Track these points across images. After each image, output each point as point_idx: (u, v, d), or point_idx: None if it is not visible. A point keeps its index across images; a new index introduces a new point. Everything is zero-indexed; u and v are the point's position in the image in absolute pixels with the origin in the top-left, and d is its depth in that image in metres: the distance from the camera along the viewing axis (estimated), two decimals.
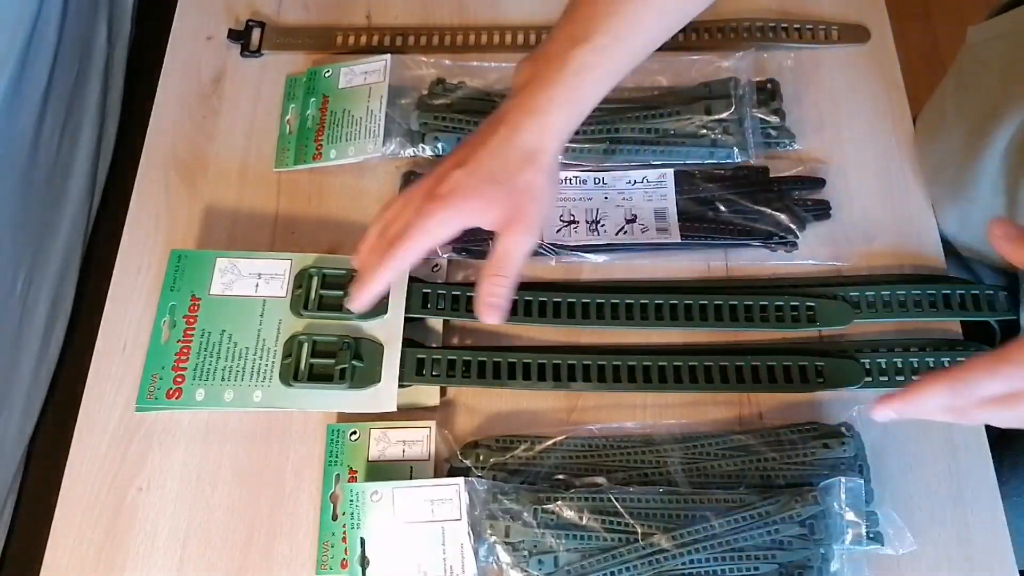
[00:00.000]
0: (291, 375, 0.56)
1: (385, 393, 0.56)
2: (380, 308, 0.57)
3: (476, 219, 0.49)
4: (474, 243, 0.61)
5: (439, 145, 0.65)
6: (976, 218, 0.60)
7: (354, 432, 0.56)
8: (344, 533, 0.53)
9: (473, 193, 0.49)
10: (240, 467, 0.57)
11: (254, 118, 0.69)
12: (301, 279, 0.58)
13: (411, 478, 0.54)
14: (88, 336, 0.61)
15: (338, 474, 0.55)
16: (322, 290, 0.58)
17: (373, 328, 0.57)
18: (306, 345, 0.56)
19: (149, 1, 1.31)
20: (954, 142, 0.60)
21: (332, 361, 0.56)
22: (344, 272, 0.58)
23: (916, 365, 0.56)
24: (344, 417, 0.57)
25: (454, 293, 0.59)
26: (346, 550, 0.53)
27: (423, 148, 0.65)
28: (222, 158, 0.68)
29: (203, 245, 0.64)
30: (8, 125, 0.97)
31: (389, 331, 0.57)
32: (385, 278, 0.51)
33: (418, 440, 0.56)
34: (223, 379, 0.56)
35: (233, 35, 0.72)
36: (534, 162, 0.49)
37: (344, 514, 0.53)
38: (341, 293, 0.57)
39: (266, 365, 0.56)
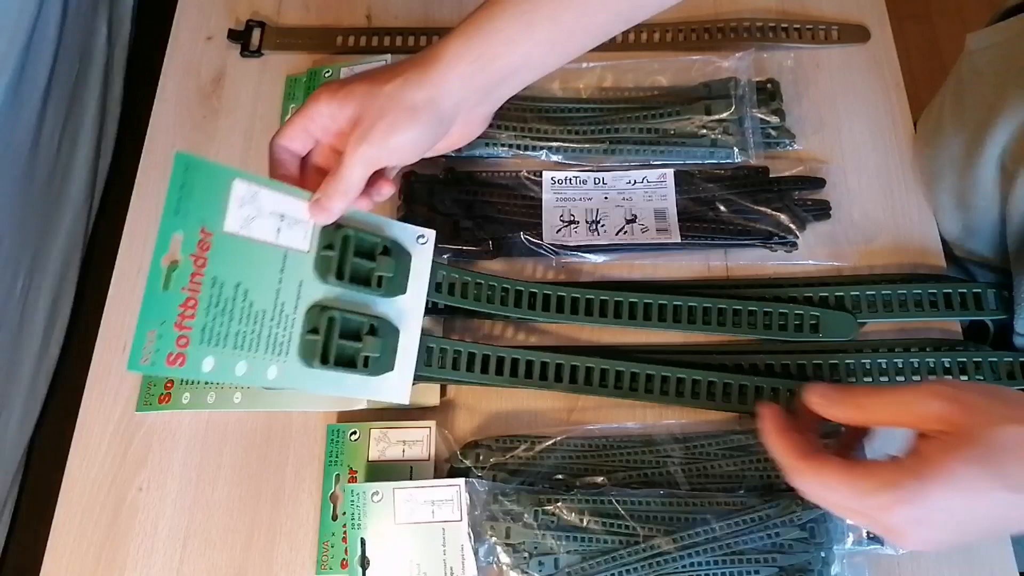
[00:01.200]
0: (318, 355, 0.48)
1: (399, 383, 0.51)
2: (398, 287, 0.51)
3: (339, 101, 0.47)
4: (473, 243, 0.62)
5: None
6: (978, 225, 0.60)
7: (354, 432, 0.56)
8: (344, 533, 0.53)
9: (334, 88, 0.47)
10: (240, 467, 0.57)
11: (254, 118, 0.69)
12: (332, 238, 0.49)
13: (411, 478, 0.54)
14: (88, 336, 0.61)
15: (338, 474, 0.55)
16: (356, 258, 0.49)
17: (387, 308, 0.51)
18: (336, 322, 0.48)
19: (149, 1, 1.31)
20: (953, 150, 0.60)
21: (357, 344, 0.49)
22: (378, 240, 0.50)
23: (916, 365, 0.56)
24: (344, 417, 0.57)
25: (472, 280, 0.56)
26: (346, 550, 0.53)
27: None
28: (222, 158, 0.68)
29: None
30: (8, 125, 0.97)
31: (407, 315, 0.52)
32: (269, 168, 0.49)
33: (418, 440, 0.56)
34: (236, 346, 0.45)
35: (233, 35, 0.72)
36: (411, 90, 0.46)
37: (344, 514, 0.53)
38: (372, 265, 0.50)
39: (283, 335, 0.47)
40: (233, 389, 0.56)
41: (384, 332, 0.50)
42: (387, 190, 0.51)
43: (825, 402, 0.41)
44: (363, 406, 0.56)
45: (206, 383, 0.54)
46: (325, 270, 0.48)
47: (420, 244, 0.53)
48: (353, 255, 0.49)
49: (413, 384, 0.53)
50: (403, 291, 0.51)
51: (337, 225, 0.49)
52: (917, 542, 0.38)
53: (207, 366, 0.44)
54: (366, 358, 0.49)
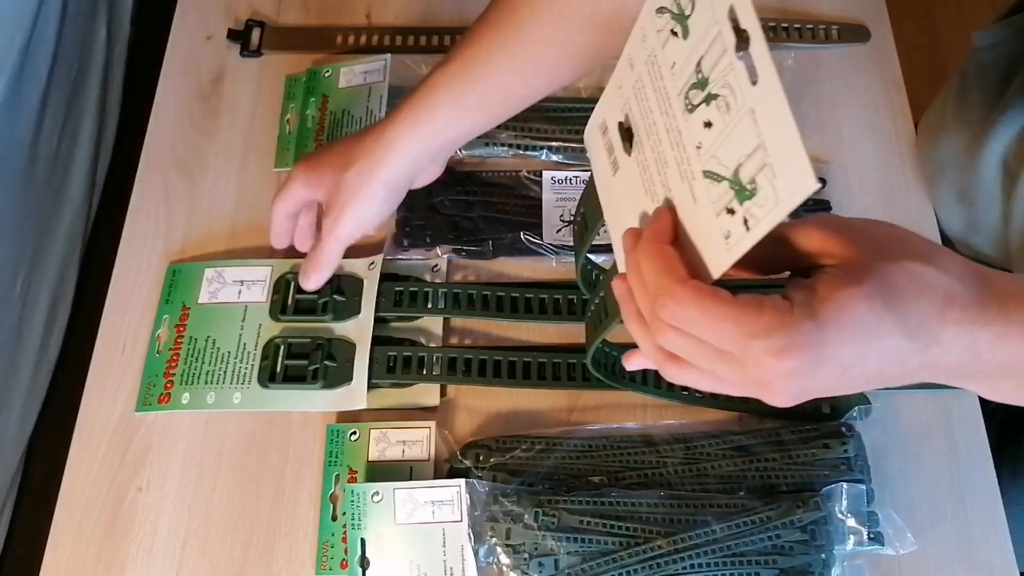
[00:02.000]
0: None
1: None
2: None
3: (308, 191, 0.57)
4: (473, 243, 0.62)
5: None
6: (981, 222, 0.60)
7: (354, 432, 0.56)
8: (344, 533, 0.53)
9: (304, 174, 0.56)
10: (240, 467, 0.57)
11: (254, 118, 0.69)
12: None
13: (411, 478, 0.54)
14: (88, 336, 0.61)
15: (338, 474, 0.55)
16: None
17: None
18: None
19: (149, 1, 1.30)
20: (955, 147, 0.60)
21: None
22: None
23: None
24: (344, 417, 0.57)
25: (444, 291, 0.60)
26: (346, 550, 0.53)
27: None
28: (222, 158, 0.68)
29: (202, 245, 0.64)
30: (8, 125, 0.97)
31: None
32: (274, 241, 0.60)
33: (418, 440, 0.56)
34: (206, 382, 0.58)
35: (233, 35, 0.72)
36: (370, 177, 0.54)
37: (344, 514, 0.53)
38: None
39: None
40: (232, 389, 0.58)
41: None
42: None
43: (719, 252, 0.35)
44: (362, 406, 0.57)
45: (206, 383, 0.58)
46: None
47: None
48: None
49: (411, 387, 0.58)
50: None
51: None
52: (789, 395, 0.33)
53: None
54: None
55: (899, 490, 0.54)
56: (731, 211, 0.32)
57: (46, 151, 1.06)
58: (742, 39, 0.30)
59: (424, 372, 0.57)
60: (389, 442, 0.56)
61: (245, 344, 0.59)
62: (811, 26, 0.70)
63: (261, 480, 0.56)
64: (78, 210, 1.15)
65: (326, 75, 0.69)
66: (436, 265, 0.61)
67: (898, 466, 0.55)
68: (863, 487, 0.51)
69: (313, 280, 0.58)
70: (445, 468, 0.55)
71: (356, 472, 0.55)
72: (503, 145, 0.65)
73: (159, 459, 0.57)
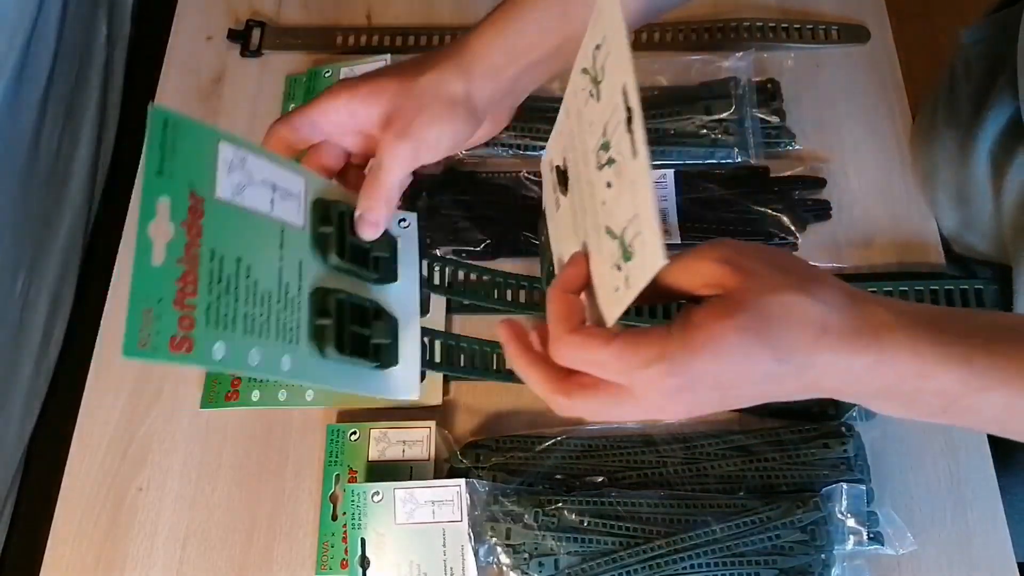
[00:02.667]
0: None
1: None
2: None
3: (364, 99, 0.45)
4: (473, 243, 0.62)
5: None
6: (975, 219, 0.60)
7: (354, 432, 0.56)
8: (344, 533, 0.53)
9: (356, 86, 0.45)
10: (240, 467, 0.57)
11: (254, 118, 0.69)
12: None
13: (411, 478, 0.54)
14: (88, 336, 0.61)
15: (338, 474, 0.55)
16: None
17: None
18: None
19: (149, 1, 1.30)
20: (947, 145, 0.60)
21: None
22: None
23: None
24: (344, 417, 0.57)
25: (462, 271, 0.57)
26: (346, 550, 0.53)
27: None
28: None
29: None
30: (8, 125, 0.97)
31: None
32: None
33: (418, 440, 0.56)
34: (246, 331, 0.39)
35: (233, 35, 0.72)
36: (449, 82, 0.44)
37: (344, 514, 0.53)
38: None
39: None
40: (280, 346, 0.41)
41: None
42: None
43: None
44: (415, 398, 0.47)
45: (245, 332, 0.40)
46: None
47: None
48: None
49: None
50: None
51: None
52: (679, 412, 0.36)
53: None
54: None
55: (899, 490, 0.54)
56: (619, 267, 0.35)
57: (46, 151, 1.06)
58: (631, 115, 0.32)
59: (476, 366, 0.54)
60: (389, 442, 0.56)
61: (287, 284, 0.41)
62: (811, 26, 0.70)
63: (261, 480, 0.56)
64: (78, 210, 1.15)
65: (326, 75, 0.69)
66: (404, 221, 0.59)
67: (898, 466, 0.55)
68: (863, 487, 0.51)
69: (373, 223, 0.45)
70: (445, 468, 0.55)
71: (356, 472, 0.55)
72: (503, 145, 0.65)
73: (159, 459, 0.57)
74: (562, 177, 0.41)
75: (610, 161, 0.34)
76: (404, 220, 0.50)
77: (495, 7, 0.46)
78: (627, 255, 0.34)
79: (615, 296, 0.35)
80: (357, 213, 0.45)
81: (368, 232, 0.45)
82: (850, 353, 0.34)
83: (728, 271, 0.34)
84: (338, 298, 0.44)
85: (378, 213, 0.44)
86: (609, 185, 0.35)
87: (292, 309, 0.41)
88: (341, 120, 0.45)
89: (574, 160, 0.39)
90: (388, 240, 0.48)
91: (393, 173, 0.44)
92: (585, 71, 0.36)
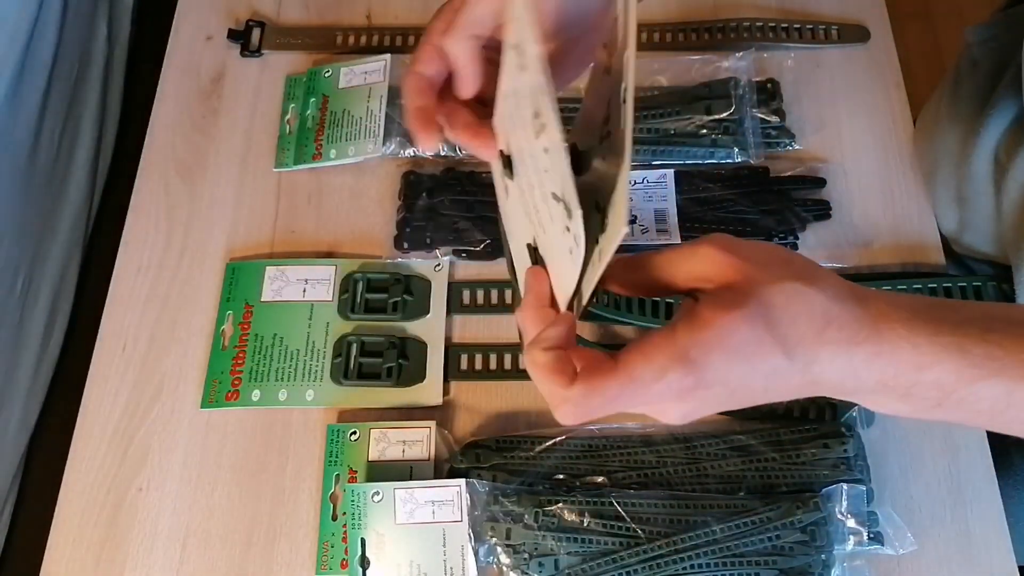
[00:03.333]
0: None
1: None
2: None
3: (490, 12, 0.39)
4: (473, 243, 0.62)
5: (439, 145, 0.65)
6: (974, 219, 0.60)
7: (354, 432, 0.56)
8: (344, 533, 0.53)
9: None
10: (240, 467, 0.57)
11: (254, 118, 0.69)
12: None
13: (411, 478, 0.54)
14: (88, 336, 0.61)
15: (338, 474, 0.55)
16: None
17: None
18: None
19: (149, 1, 1.31)
20: (949, 143, 0.60)
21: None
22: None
23: None
24: (344, 417, 0.57)
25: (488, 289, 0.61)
26: (346, 550, 0.53)
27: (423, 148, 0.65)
28: (222, 158, 0.68)
29: (203, 244, 0.64)
30: (8, 125, 0.97)
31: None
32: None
33: (418, 440, 0.56)
34: (276, 379, 0.59)
35: (233, 35, 0.72)
36: None
37: (344, 514, 0.53)
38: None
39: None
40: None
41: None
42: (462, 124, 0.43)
43: (621, 267, 0.36)
44: (438, 402, 0.57)
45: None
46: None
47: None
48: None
49: (414, 387, 0.58)
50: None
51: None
52: (681, 417, 0.35)
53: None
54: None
55: (899, 490, 0.54)
56: (568, 228, 0.34)
57: (46, 151, 1.06)
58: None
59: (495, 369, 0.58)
60: (389, 442, 0.56)
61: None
62: (811, 26, 0.70)
63: (261, 480, 0.56)
64: (78, 210, 1.15)
65: (326, 75, 0.69)
66: (439, 264, 0.61)
67: (898, 466, 0.55)
68: (863, 487, 0.51)
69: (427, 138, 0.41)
70: (445, 468, 0.55)
71: (356, 472, 0.55)
72: None
73: (159, 459, 0.57)
74: (507, 162, 0.41)
75: (542, 126, 0.34)
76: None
77: None
78: (568, 214, 0.34)
79: (571, 260, 0.35)
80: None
81: (423, 142, 0.41)
82: (851, 345, 0.33)
83: (732, 261, 0.34)
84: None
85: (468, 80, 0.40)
86: (546, 150, 0.34)
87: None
88: (485, 23, 0.40)
89: (516, 139, 0.39)
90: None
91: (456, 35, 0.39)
92: (513, 47, 0.36)
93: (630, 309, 0.57)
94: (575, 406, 0.35)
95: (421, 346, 0.59)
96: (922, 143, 0.64)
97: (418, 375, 0.58)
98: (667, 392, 0.34)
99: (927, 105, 0.66)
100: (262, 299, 0.61)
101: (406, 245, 0.62)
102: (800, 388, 0.35)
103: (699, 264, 0.35)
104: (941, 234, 0.62)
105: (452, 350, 0.59)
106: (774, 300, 0.33)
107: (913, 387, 0.34)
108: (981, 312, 0.35)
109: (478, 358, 0.59)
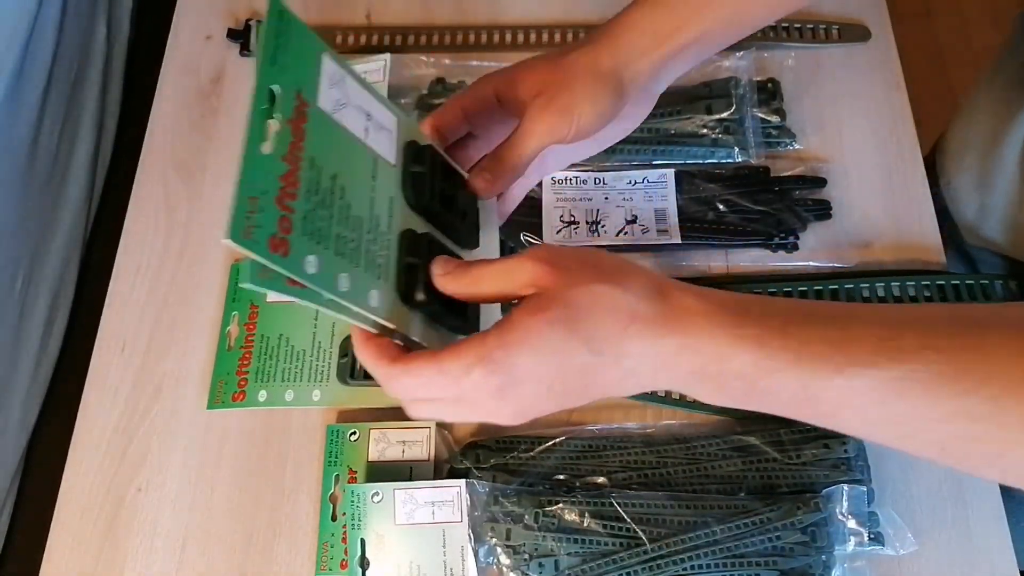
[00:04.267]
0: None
1: None
2: (472, 237, 0.45)
3: (512, 79, 0.45)
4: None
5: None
6: (995, 206, 0.59)
7: (354, 432, 0.56)
8: (344, 534, 0.53)
9: (499, 72, 0.46)
10: (240, 467, 0.57)
11: None
12: (418, 153, 0.43)
13: (411, 479, 0.54)
14: (88, 336, 0.61)
15: (338, 474, 0.55)
16: (441, 181, 0.44)
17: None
18: (438, 251, 0.42)
19: (148, 1, 1.30)
20: (982, 126, 0.60)
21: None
22: (459, 169, 0.46)
23: None
24: (344, 417, 0.57)
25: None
26: (346, 551, 0.53)
27: None
28: (221, 157, 0.68)
29: (203, 244, 0.64)
30: (7, 125, 0.97)
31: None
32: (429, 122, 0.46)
33: (418, 440, 0.56)
34: (283, 380, 0.58)
35: (232, 34, 0.72)
36: (599, 57, 0.45)
37: (344, 515, 0.53)
38: (453, 197, 0.45)
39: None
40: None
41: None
42: (513, 202, 0.49)
43: (444, 277, 0.38)
44: None
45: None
46: (421, 187, 0.42)
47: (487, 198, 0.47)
48: (441, 179, 0.43)
49: None
50: (476, 244, 0.45)
51: (419, 145, 0.43)
52: (511, 415, 0.37)
53: (311, 266, 0.35)
54: (463, 307, 0.41)
55: (899, 490, 0.54)
56: None
57: (46, 151, 1.06)
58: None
59: None
60: (389, 442, 0.56)
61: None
62: (811, 26, 0.70)
63: (261, 480, 0.56)
64: (78, 210, 1.15)
65: None
66: None
67: (898, 466, 0.55)
68: (863, 488, 0.51)
69: (491, 182, 0.44)
70: (445, 468, 0.55)
71: (356, 472, 0.55)
72: None
73: (159, 459, 0.57)
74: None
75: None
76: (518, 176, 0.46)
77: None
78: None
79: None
80: (478, 171, 0.44)
81: (480, 185, 0.44)
82: (657, 337, 0.35)
83: (544, 269, 0.35)
84: (430, 239, 0.41)
85: (499, 179, 0.44)
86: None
87: (382, 244, 0.39)
88: (490, 110, 0.46)
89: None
90: (474, 202, 0.45)
91: (531, 139, 0.44)
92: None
93: None
94: (395, 383, 0.37)
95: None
96: (955, 130, 0.63)
97: (473, 325, 0.43)
98: (479, 388, 0.35)
99: (969, 89, 0.65)
100: (268, 300, 0.61)
101: None
102: (621, 381, 0.36)
103: (522, 276, 0.36)
104: (954, 229, 0.62)
105: None
106: (579, 302, 0.35)
107: (720, 377, 0.35)
108: (788, 307, 0.36)
109: None
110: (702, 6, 0.45)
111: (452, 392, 0.36)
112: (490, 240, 0.46)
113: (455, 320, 0.40)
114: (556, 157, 0.49)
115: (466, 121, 0.46)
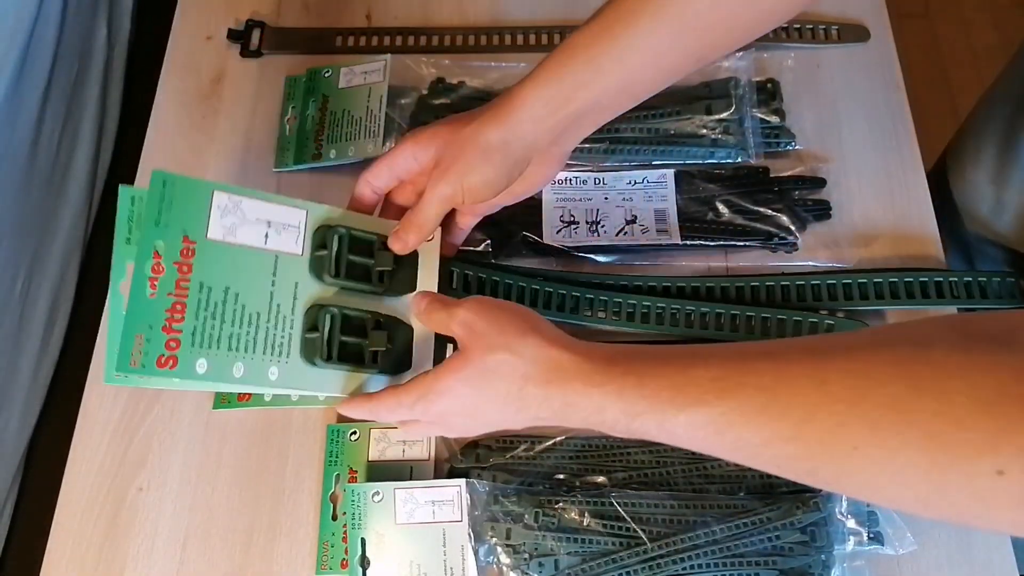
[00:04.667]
0: (317, 352, 0.48)
1: None
2: (407, 285, 0.52)
3: (420, 144, 0.52)
4: (472, 241, 0.61)
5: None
6: (1011, 201, 0.60)
7: (354, 432, 0.56)
8: (344, 533, 0.53)
9: (419, 133, 0.52)
10: (240, 467, 0.57)
11: (254, 118, 0.69)
12: (324, 237, 0.49)
13: (411, 478, 0.54)
14: (88, 336, 0.61)
15: (338, 474, 0.55)
16: (351, 255, 0.50)
17: (398, 307, 0.52)
18: (336, 319, 0.49)
19: (149, 1, 1.30)
20: (999, 120, 0.60)
21: (363, 340, 0.49)
22: (374, 238, 0.51)
23: None
24: (344, 417, 0.57)
25: (487, 277, 0.57)
26: (346, 550, 0.53)
27: None
28: (222, 158, 0.68)
29: None
30: (8, 125, 0.97)
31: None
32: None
33: (418, 440, 0.56)
34: (231, 348, 0.46)
35: (233, 35, 0.72)
36: (487, 131, 0.50)
37: (345, 514, 0.53)
38: (370, 261, 0.51)
39: (282, 336, 0.48)
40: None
41: (395, 328, 0.51)
42: (460, 235, 0.58)
43: (417, 311, 0.50)
44: None
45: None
46: (320, 269, 0.49)
47: (427, 241, 0.53)
48: (349, 253, 0.50)
49: None
50: (412, 289, 0.52)
51: (328, 227, 0.50)
52: (451, 432, 0.52)
53: (200, 368, 0.44)
54: (374, 353, 0.50)
55: None
56: None
57: (46, 151, 1.06)
58: None
59: None
60: (389, 442, 0.56)
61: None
62: (811, 26, 0.70)
63: (261, 480, 0.56)
64: (78, 210, 1.15)
65: (326, 75, 0.69)
66: (431, 236, 0.59)
67: None
68: None
69: (403, 241, 0.52)
70: (445, 468, 0.55)
71: (356, 472, 0.55)
72: None
73: (159, 459, 0.57)
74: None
75: None
76: (430, 236, 0.53)
77: (539, 62, 0.50)
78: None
79: None
80: (393, 230, 0.52)
81: (395, 246, 0.52)
82: (545, 397, 0.43)
83: (464, 333, 0.45)
84: (329, 312, 0.48)
85: (407, 235, 0.52)
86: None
87: (284, 326, 0.48)
88: (408, 165, 0.53)
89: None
90: (397, 258, 0.52)
91: (430, 208, 0.51)
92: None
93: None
94: (378, 415, 0.50)
95: (406, 328, 0.51)
96: (972, 125, 0.64)
97: (402, 362, 0.51)
98: (428, 414, 0.47)
99: (992, 83, 0.65)
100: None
101: None
102: (531, 421, 0.45)
103: (454, 327, 0.46)
104: (955, 227, 0.62)
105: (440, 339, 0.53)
106: (485, 365, 0.44)
107: (602, 423, 0.42)
108: (651, 355, 0.42)
109: None
110: (588, 80, 0.48)
111: (414, 415, 0.48)
112: (429, 277, 0.53)
113: (370, 366, 0.50)
114: (483, 207, 0.55)
115: (394, 175, 0.53)
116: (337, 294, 0.50)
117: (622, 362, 0.42)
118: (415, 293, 0.46)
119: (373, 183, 0.53)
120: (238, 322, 0.46)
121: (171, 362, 0.43)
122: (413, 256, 0.53)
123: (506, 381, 0.44)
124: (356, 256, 0.50)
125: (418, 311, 0.49)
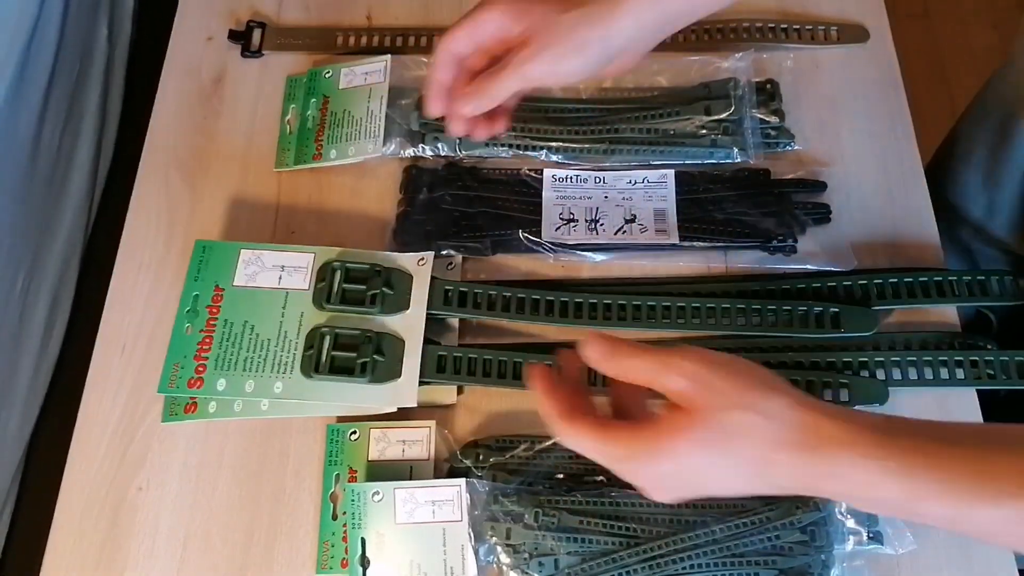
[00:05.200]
0: (312, 366, 0.55)
1: (406, 388, 0.55)
2: (402, 304, 0.58)
3: (498, 24, 0.49)
4: (472, 239, 0.62)
5: (439, 145, 0.65)
6: (1004, 203, 0.60)
7: (354, 432, 0.56)
8: (344, 533, 0.53)
9: (504, 3, 0.49)
10: (240, 467, 0.57)
11: (254, 118, 0.69)
12: (324, 272, 0.58)
13: (411, 478, 0.54)
14: (88, 336, 0.61)
15: (338, 474, 0.55)
16: (345, 284, 0.58)
17: (394, 324, 0.57)
18: (328, 337, 0.56)
19: (149, 1, 1.31)
20: (992, 123, 0.60)
21: (354, 354, 0.56)
22: (367, 267, 0.58)
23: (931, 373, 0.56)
24: (344, 417, 0.57)
25: (475, 291, 0.58)
26: (346, 550, 0.53)
27: (423, 148, 0.65)
28: (222, 158, 0.68)
29: None
30: (8, 125, 0.97)
31: (410, 327, 0.57)
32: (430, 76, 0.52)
33: (418, 440, 0.56)
34: (244, 369, 0.56)
35: (234, 35, 0.72)
36: (587, 25, 0.48)
37: (345, 514, 0.53)
38: (364, 287, 0.57)
39: (287, 357, 0.56)
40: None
41: (388, 344, 0.56)
42: (500, 127, 0.55)
43: (597, 356, 0.41)
44: (412, 404, 0.56)
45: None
46: (320, 299, 0.58)
47: (420, 266, 0.59)
48: (345, 282, 0.58)
49: (428, 386, 0.56)
50: (406, 307, 0.58)
51: (329, 263, 0.58)
52: (661, 495, 0.41)
53: (220, 386, 0.56)
54: (363, 364, 0.55)
55: None
56: None
57: (47, 151, 1.06)
58: None
59: (475, 374, 0.56)
60: (389, 442, 0.56)
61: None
62: (810, 26, 0.70)
63: (261, 480, 0.56)
64: (78, 210, 1.15)
65: (327, 76, 0.69)
66: (422, 259, 0.60)
67: None
68: None
69: (470, 104, 0.50)
70: (445, 468, 0.55)
71: (356, 472, 0.55)
72: (503, 145, 0.65)
73: (159, 459, 0.57)
74: None
75: None
76: (422, 259, 0.59)
77: None
78: None
79: None
80: (460, 96, 0.51)
81: (463, 108, 0.50)
82: (803, 465, 0.37)
83: (692, 388, 0.38)
84: (322, 332, 0.56)
85: (477, 99, 0.50)
86: None
87: (289, 349, 0.57)
88: (492, 32, 0.50)
89: None
90: (401, 278, 0.59)
91: (511, 80, 0.49)
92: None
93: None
94: (563, 436, 0.41)
95: (398, 342, 0.57)
96: (963, 127, 0.64)
97: (393, 372, 0.56)
98: (624, 474, 0.40)
99: (981, 89, 0.65)
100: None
101: (405, 239, 0.62)
102: (770, 489, 0.39)
103: (670, 383, 0.39)
104: (956, 228, 0.62)
105: (452, 349, 0.57)
106: (724, 427, 0.38)
107: (867, 501, 0.38)
108: (931, 431, 0.38)
109: (480, 360, 0.57)
110: None
111: (617, 471, 0.41)
112: (421, 300, 0.58)
113: (361, 376, 0.55)
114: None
115: (474, 41, 0.50)
116: (334, 318, 0.58)
117: (902, 434, 0.37)
118: (586, 338, 0.41)
119: (454, 50, 0.51)
120: (252, 347, 0.57)
121: (198, 384, 0.56)
122: (408, 281, 0.58)
123: (752, 445, 0.38)
124: (351, 285, 0.58)
125: (596, 357, 0.41)
